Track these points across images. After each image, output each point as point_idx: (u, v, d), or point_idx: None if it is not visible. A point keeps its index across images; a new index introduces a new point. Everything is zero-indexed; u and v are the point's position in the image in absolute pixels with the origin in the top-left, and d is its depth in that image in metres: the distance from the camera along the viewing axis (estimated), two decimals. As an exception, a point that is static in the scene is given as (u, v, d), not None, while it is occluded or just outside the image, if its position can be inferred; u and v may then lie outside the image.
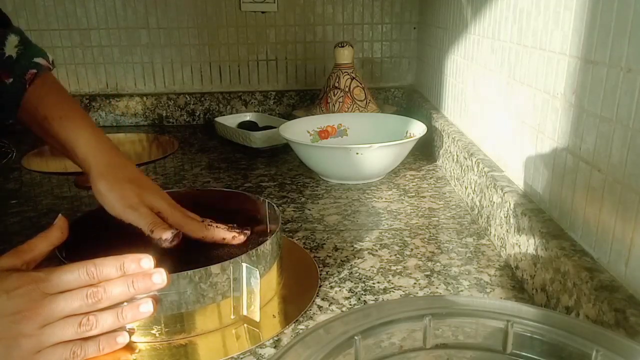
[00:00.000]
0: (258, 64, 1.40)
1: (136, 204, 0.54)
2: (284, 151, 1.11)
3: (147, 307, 0.46)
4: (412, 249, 0.66)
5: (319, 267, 0.62)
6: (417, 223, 0.74)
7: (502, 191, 0.64)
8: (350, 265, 0.63)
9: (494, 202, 0.67)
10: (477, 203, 0.74)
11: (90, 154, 0.57)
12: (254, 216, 0.65)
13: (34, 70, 0.59)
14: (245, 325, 0.51)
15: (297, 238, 0.70)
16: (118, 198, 0.54)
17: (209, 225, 0.58)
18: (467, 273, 0.60)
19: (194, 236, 0.57)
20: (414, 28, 1.38)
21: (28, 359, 0.42)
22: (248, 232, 0.58)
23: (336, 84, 1.17)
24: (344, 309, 0.54)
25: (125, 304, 0.46)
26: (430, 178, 0.93)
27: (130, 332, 0.48)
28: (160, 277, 0.46)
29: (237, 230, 0.58)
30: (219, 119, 1.24)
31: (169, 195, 0.60)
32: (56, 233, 0.51)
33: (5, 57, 0.58)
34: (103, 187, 0.55)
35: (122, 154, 0.60)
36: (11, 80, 0.58)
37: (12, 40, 0.59)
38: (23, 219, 0.79)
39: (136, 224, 0.54)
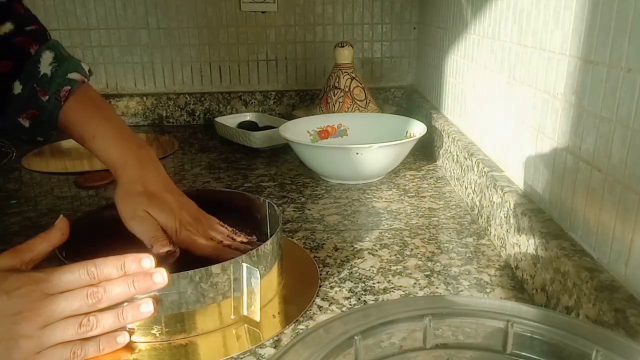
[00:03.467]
0: (258, 64, 1.40)
1: (141, 217, 0.54)
2: (284, 151, 1.11)
3: (147, 307, 0.46)
4: (412, 249, 0.67)
5: (319, 267, 0.62)
6: (417, 223, 0.74)
7: (502, 191, 0.64)
8: (350, 265, 0.63)
9: (494, 202, 0.67)
10: (477, 203, 0.74)
11: (119, 169, 0.58)
12: (254, 216, 0.65)
13: (68, 87, 0.59)
14: (245, 325, 0.51)
15: (297, 238, 0.70)
16: (126, 209, 0.55)
17: (224, 246, 0.58)
18: (467, 273, 0.61)
19: (201, 255, 0.56)
20: (414, 28, 1.38)
21: None
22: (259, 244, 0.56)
23: (336, 84, 1.17)
24: (344, 309, 0.54)
25: (125, 304, 0.46)
26: (430, 178, 0.93)
27: (131, 332, 0.48)
28: (161, 277, 0.46)
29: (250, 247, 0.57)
30: (219, 119, 1.24)
31: (192, 210, 0.60)
32: (56, 234, 0.51)
33: (41, 75, 0.58)
34: (117, 198, 0.56)
35: (153, 166, 0.59)
36: (47, 97, 0.58)
37: (47, 57, 0.59)
38: (23, 219, 0.79)
39: (139, 236, 0.54)
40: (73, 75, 0.59)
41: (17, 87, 0.58)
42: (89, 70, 0.63)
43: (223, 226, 0.62)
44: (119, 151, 0.58)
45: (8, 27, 0.58)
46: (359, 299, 0.56)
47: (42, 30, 0.62)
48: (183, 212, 0.58)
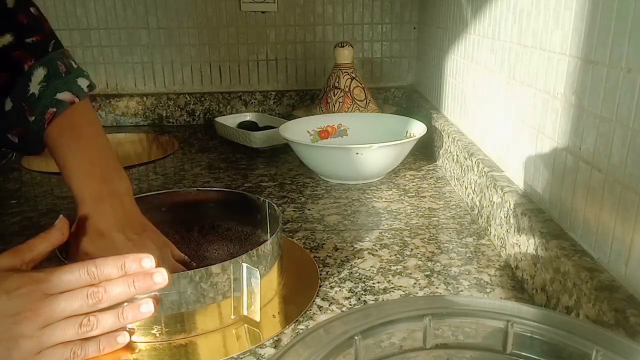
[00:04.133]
0: (258, 64, 1.40)
1: (82, 259, 0.52)
2: (284, 151, 1.11)
3: (148, 308, 0.46)
4: (412, 249, 0.67)
5: (319, 267, 0.62)
6: (417, 223, 0.74)
7: (502, 191, 0.64)
8: (350, 265, 0.63)
9: (494, 202, 0.67)
10: (477, 203, 0.74)
11: (78, 206, 0.56)
12: (254, 216, 0.65)
13: (54, 110, 0.57)
14: (245, 325, 0.51)
15: (297, 238, 0.70)
16: (72, 249, 0.54)
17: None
18: (467, 273, 0.61)
19: None
20: (414, 28, 1.38)
21: (28, 360, 0.42)
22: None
23: (336, 84, 1.17)
24: (344, 309, 0.54)
25: (125, 304, 0.46)
26: (430, 178, 0.93)
27: (131, 332, 0.48)
28: (161, 277, 0.46)
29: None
30: (219, 119, 1.24)
31: (147, 248, 0.55)
32: (56, 234, 0.51)
33: (29, 94, 0.56)
34: (70, 239, 0.54)
35: (111, 202, 0.56)
36: (33, 118, 0.57)
37: (38, 75, 0.57)
38: (23, 219, 0.79)
39: None
40: (62, 96, 0.57)
41: (8, 104, 0.57)
42: (89, 85, 0.60)
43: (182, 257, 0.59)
44: (79, 186, 0.56)
45: (7, 39, 0.57)
46: (359, 299, 0.56)
47: (45, 41, 0.60)
48: (153, 249, 0.54)
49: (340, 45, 1.17)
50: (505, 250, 0.63)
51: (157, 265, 0.50)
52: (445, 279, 0.59)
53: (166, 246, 0.58)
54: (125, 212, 0.57)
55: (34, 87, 0.57)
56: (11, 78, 0.57)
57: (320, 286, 0.58)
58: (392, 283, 0.59)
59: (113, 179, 0.58)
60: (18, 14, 0.58)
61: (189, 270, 0.49)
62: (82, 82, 0.60)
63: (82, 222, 0.54)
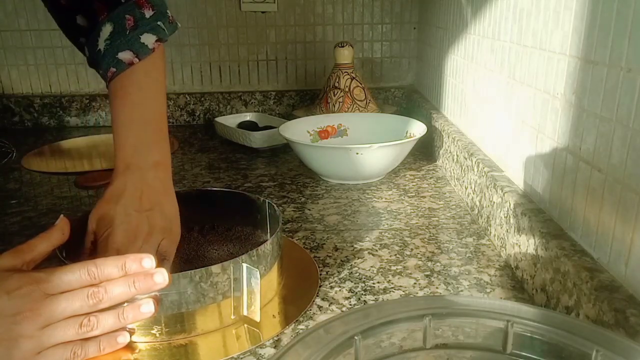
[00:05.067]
0: (258, 64, 1.40)
1: (99, 218, 0.54)
2: (284, 151, 1.11)
3: (148, 308, 0.46)
4: (412, 249, 0.67)
5: (319, 267, 0.62)
6: (417, 223, 0.74)
7: (502, 191, 0.64)
8: (350, 265, 0.63)
9: (494, 202, 0.67)
10: (477, 203, 0.74)
11: (113, 173, 0.57)
12: (254, 216, 0.65)
13: (114, 69, 0.58)
14: (245, 325, 0.51)
15: (297, 238, 0.70)
16: (92, 218, 0.55)
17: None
18: (467, 273, 0.61)
19: None
20: (414, 28, 1.38)
21: (29, 360, 0.42)
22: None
23: (336, 84, 1.17)
24: (344, 309, 0.54)
25: (126, 304, 0.46)
26: (430, 178, 0.93)
27: (131, 332, 0.48)
28: (161, 277, 0.46)
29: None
30: (219, 119, 1.24)
31: (157, 224, 0.55)
32: (57, 234, 0.51)
33: (97, 49, 0.58)
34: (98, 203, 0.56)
35: (139, 174, 0.57)
36: (101, 72, 0.60)
37: (106, 31, 0.58)
38: (23, 219, 0.79)
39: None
40: (122, 55, 0.58)
41: (87, 51, 0.60)
42: (158, 40, 0.60)
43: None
44: (115, 155, 0.58)
45: None
46: (359, 299, 0.56)
47: None
48: (119, 228, 0.53)
49: (340, 45, 1.17)
50: (505, 250, 0.63)
51: (139, 247, 0.52)
52: (445, 279, 0.59)
53: (162, 232, 0.56)
54: (142, 185, 0.57)
55: (101, 44, 0.58)
56: (89, 26, 0.59)
57: (320, 286, 0.58)
58: (392, 283, 0.59)
59: (144, 151, 0.58)
60: None
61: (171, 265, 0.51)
62: (148, 39, 0.59)
63: (108, 194, 0.56)
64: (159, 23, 0.61)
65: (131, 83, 0.59)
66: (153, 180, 0.57)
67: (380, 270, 0.62)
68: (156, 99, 0.61)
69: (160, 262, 0.54)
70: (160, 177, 0.58)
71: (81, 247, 0.54)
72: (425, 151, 1.07)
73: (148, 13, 0.60)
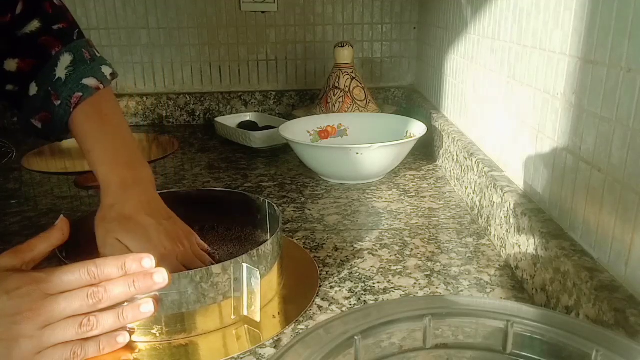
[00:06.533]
0: (258, 64, 1.40)
1: (111, 244, 0.53)
2: (284, 151, 1.11)
3: (148, 307, 0.46)
4: (412, 249, 0.67)
5: (319, 267, 0.62)
6: (417, 223, 0.74)
7: (502, 191, 0.64)
8: (350, 265, 0.63)
9: (494, 202, 0.67)
10: (477, 203, 0.74)
11: (102, 191, 0.56)
12: (254, 216, 0.65)
13: (80, 94, 0.58)
14: (245, 325, 0.51)
15: (297, 238, 0.70)
16: (98, 235, 0.54)
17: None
18: (467, 273, 0.61)
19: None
20: (414, 28, 1.38)
21: (29, 360, 0.42)
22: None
23: (336, 84, 1.17)
24: (344, 309, 0.54)
25: (126, 304, 0.46)
26: (430, 178, 0.93)
27: (131, 332, 0.48)
28: (161, 277, 0.46)
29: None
30: (219, 119, 1.24)
31: (172, 232, 0.56)
32: (57, 234, 0.51)
33: (55, 78, 0.57)
34: (95, 222, 0.55)
35: (137, 188, 0.57)
36: (59, 102, 0.57)
37: (65, 60, 0.58)
38: (23, 219, 0.79)
39: None
40: (88, 81, 0.58)
41: (33, 89, 0.58)
42: (112, 74, 0.61)
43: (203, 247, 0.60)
44: (105, 172, 0.57)
45: (35, 25, 0.58)
46: (359, 299, 0.56)
47: (70, 29, 0.60)
48: (161, 235, 0.54)
49: (340, 45, 1.17)
50: (505, 250, 0.63)
51: (185, 253, 0.53)
52: (445, 279, 0.59)
53: (191, 234, 0.59)
54: (150, 199, 0.58)
55: (61, 72, 0.58)
56: (37, 64, 0.58)
57: (320, 286, 0.58)
58: (392, 283, 0.59)
59: (137, 167, 0.59)
60: (44, 2, 0.59)
61: (214, 260, 0.52)
62: (106, 70, 0.61)
63: (107, 208, 0.55)
64: (107, 62, 0.62)
65: (105, 106, 0.60)
66: (153, 192, 0.59)
67: (380, 270, 0.62)
68: (127, 123, 0.63)
69: (212, 256, 0.59)
70: (154, 190, 0.60)
71: (81, 247, 0.54)
72: (425, 151, 1.07)
73: (97, 53, 0.62)
